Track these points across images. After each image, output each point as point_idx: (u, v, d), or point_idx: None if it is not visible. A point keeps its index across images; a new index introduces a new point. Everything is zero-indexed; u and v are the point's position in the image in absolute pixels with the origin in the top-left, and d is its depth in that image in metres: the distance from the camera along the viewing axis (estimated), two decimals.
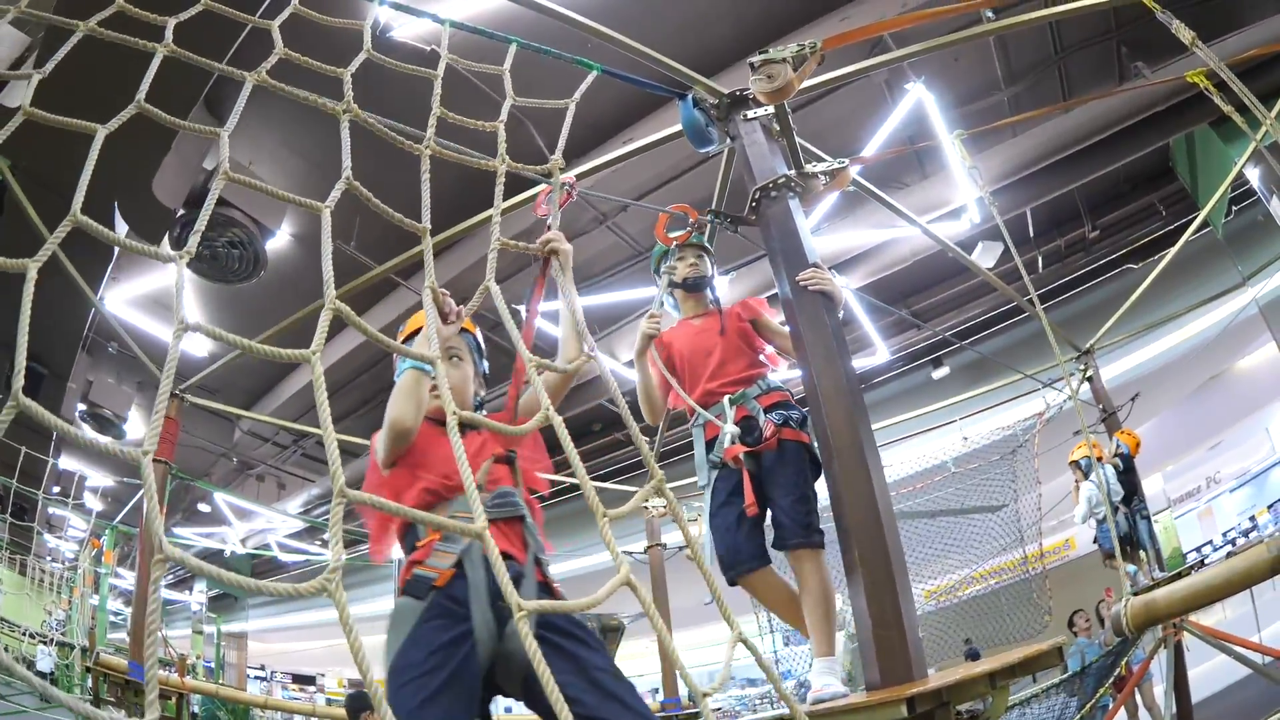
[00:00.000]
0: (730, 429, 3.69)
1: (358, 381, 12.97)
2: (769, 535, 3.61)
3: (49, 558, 16.84)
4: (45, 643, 13.78)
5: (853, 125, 9.02)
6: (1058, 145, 9.09)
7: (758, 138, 4.48)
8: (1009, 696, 3.21)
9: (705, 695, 1.44)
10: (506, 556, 2.33)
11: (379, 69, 2.72)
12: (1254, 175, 9.19)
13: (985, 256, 10.52)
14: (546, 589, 2.36)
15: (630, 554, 9.58)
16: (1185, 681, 5.68)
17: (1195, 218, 8.10)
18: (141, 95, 2.01)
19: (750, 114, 4.52)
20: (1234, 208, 10.77)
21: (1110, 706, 5.99)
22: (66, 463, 14.61)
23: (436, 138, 2.35)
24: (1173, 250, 7.48)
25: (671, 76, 4.73)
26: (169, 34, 2.34)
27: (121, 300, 10.45)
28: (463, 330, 2.82)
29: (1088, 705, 5.09)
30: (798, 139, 4.55)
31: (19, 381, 1.25)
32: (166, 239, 8.77)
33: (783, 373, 4.09)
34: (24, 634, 14.24)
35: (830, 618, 3.51)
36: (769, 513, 3.67)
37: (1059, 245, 12.55)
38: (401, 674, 2.14)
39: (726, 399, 3.81)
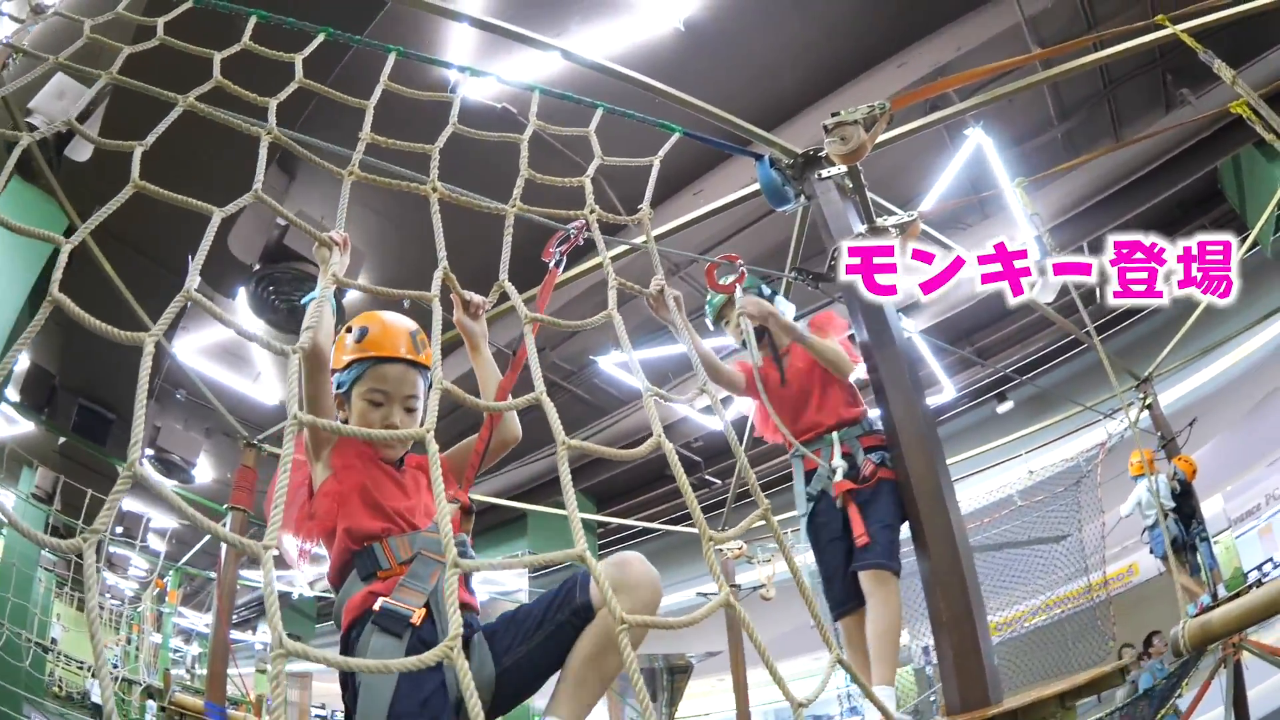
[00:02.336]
0: (839, 463, 3.90)
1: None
2: None
3: (109, 595, 17.10)
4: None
5: (914, 171, 9.27)
6: (1112, 179, 9.36)
7: (832, 196, 4.74)
8: (1076, 717, 3.35)
9: (800, 705, 1.58)
10: (466, 606, 2.33)
11: (444, 123, 2.83)
12: None
13: (1045, 292, 10.68)
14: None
15: (705, 595, 9.66)
16: (1244, 700, 5.73)
17: (1246, 237, 8.26)
18: (258, 185, 2.12)
19: (824, 173, 4.73)
20: None
21: None
22: (130, 504, 14.96)
23: (519, 200, 2.52)
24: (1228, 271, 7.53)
25: (740, 135, 4.99)
26: (272, 118, 2.48)
27: (191, 349, 10.81)
28: (420, 367, 2.62)
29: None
30: (868, 194, 4.75)
31: (135, 453, 1.34)
32: (243, 293, 9.16)
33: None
34: (83, 668, 14.92)
35: (895, 646, 3.72)
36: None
37: None
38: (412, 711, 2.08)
39: (836, 435, 4.01)
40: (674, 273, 9.87)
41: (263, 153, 2.29)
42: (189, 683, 15.55)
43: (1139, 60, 9.05)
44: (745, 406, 4.66)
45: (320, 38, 3.30)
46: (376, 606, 2.17)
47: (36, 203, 7.37)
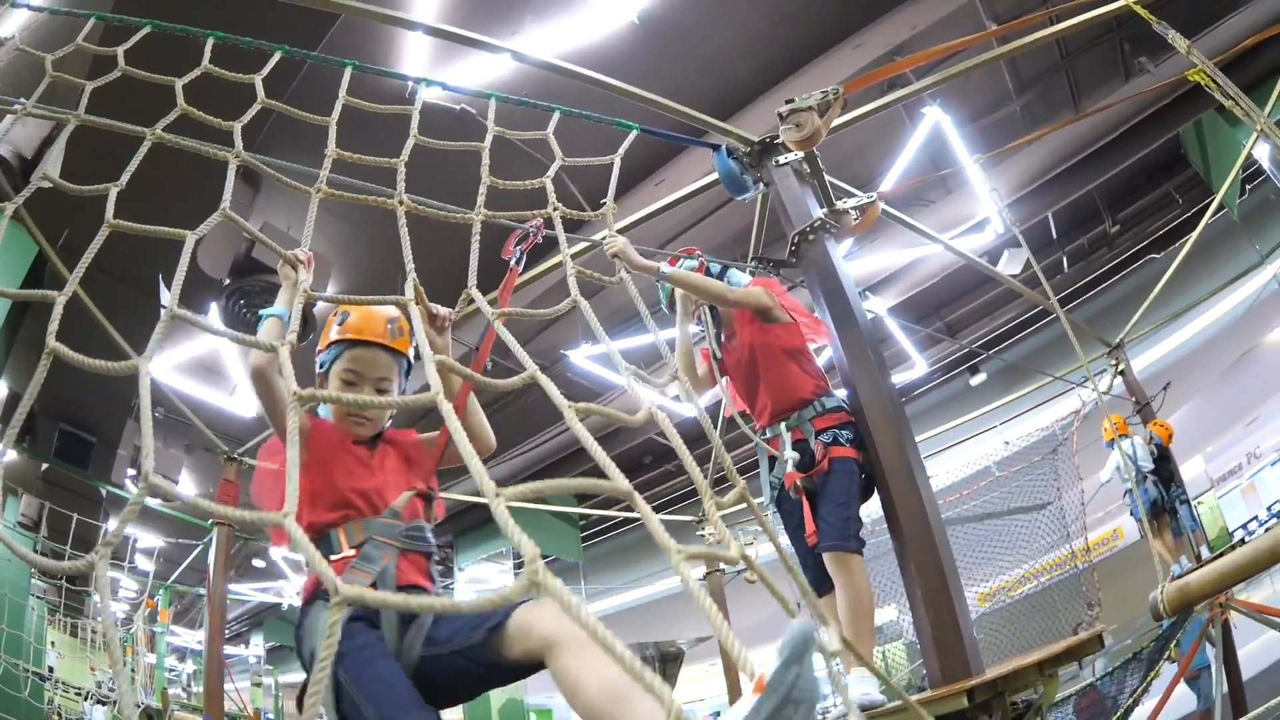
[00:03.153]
0: (790, 454, 3.88)
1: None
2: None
3: (98, 618, 16.77)
4: (101, 702, 14.10)
5: (872, 151, 9.37)
6: (1072, 149, 9.43)
7: (790, 182, 4.77)
8: (1059, 685, 3.44)
9: (833, 655, 1.63)
10: (418, 588, 2.45)
11: (405, 128, 2.91)
12: (1263, 154, 9.45)
13: (1011, 264, 10.87)
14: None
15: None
16: (1235, 659, 5.91)
17: (1211, 201, 8.36)
18: (226, 204, 2.18)
19: (781, 159, 4.78)
20: (1246, 187, 11.06)
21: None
22: (115, 525, 14.91)
23: (482, 205, 2.54)
24: (1193, 235, 7.65)
25: (696, 125, 5.01)
26: (238, 140, 2.53)
27: (166, 366, 10.81)
28: (396, 352, 2.81)
29: (1139, 689, 5.27)
30: (826, 177, 4.82)
31: (148, 462, 1.38)
32: (214, 308, 9.21)
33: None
34: (81, 694, 14.36)
35: (868, 625, 3.71)
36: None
37: (1082, 244, 12.85)
38: (355, 652, 2.17)
39: (784, 425, 4.00)
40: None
41: (231, 175, 2.37)
42: (186, 700, 15.49)
43: (1096, 30, 9.12)
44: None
45: (277, 56, 3.33)
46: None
47: (10, 230, 7.30)
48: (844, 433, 3.92)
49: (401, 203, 2.44)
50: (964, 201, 9.75)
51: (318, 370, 2.83)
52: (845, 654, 3.54)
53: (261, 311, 2.66)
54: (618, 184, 3.11)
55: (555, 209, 2.71)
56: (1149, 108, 9.11)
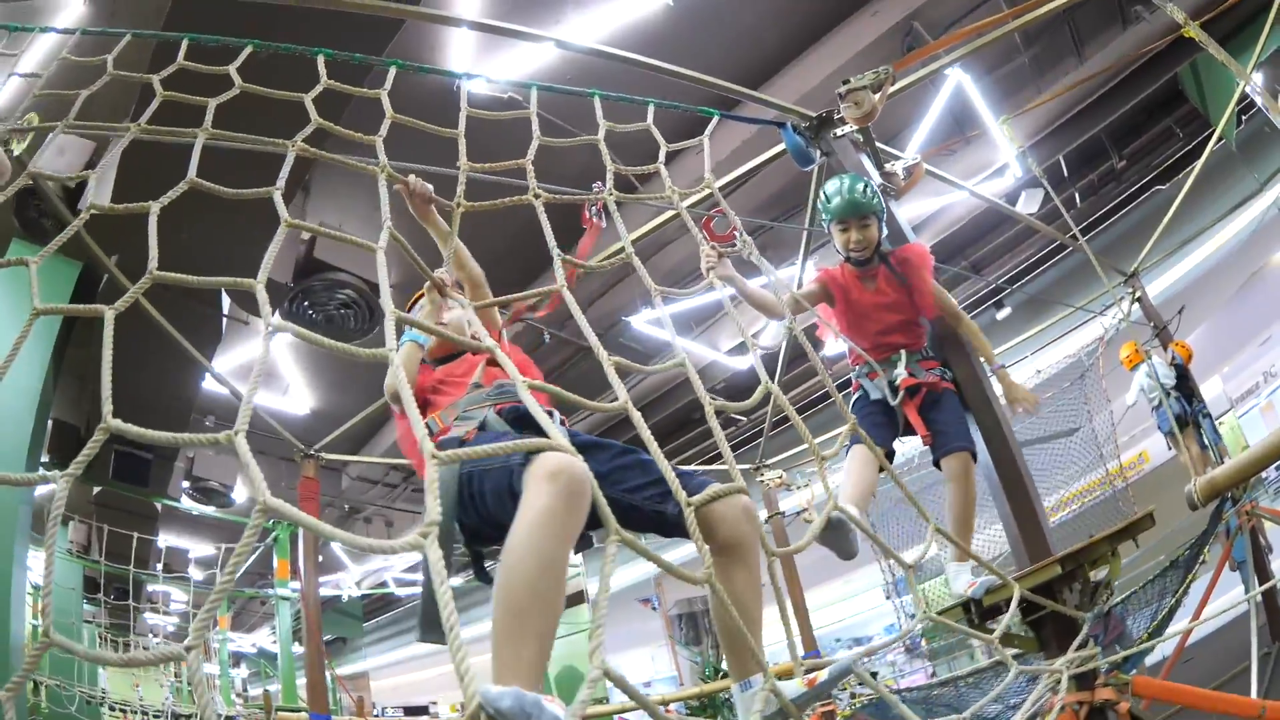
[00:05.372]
0: (901, 372, 4.62)
1: None
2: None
3: (150, 634, 17.28)
4: (156, 717, 14.36)
5: (897, 109, 10.21)
6: (1080, 96, 10.43)
7: (849, 152, 5.62)
8: (1121, 563, 4.11)
9: (909, 568, 2.43)
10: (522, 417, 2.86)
11: (450, 114, 3.31)
12: (1253, 90, 10.41)
13: (1029, 203, 12.00)
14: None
15: None
16: (1263, 562, 6.50)
17: (1211, 133, 9.28)
18: (281, 211, 2.40)
19: (839, 132, 5.64)
20: (1243, 118, 11.85)
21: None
22: (166, 539, 15.39)
23: (541, 184, 2.98)
24: (1197, 165, 8.29)
25: (730, 97, 5.77)
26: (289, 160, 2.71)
27: (224, 372, 11.38)
28: (444, 292, 3.51)
29: (1179, 590, 5.52)
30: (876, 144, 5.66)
31: (243, 420, 1.56)
32: (276, 313, 9.98)
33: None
34: (136, 714, 14.60)
35: (972, 525, 4.46)
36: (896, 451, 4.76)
37: (1092, 180, 13.80)
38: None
39: (904, 353, 4.70)
40: (687, 230, 10.44)
41: (283, 174, 2.62)
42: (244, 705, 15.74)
43: None
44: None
45: (321, 60, 3.62)
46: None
47: (45, 262, 7.79)
48: (948, 372, 4.74)
49: (459, 205, 2.92)
50: (984, 150, 10.81)
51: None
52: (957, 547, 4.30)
53: (405, 338, 3.25)
54: (652, 158, 3.67)
55: (611, 194, 3.27)
56: (1148, 51, 9.93)
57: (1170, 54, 10.30)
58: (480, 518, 2.56)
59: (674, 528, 2.62)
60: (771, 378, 2.33)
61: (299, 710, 9.96)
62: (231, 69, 3.28)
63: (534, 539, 2.01)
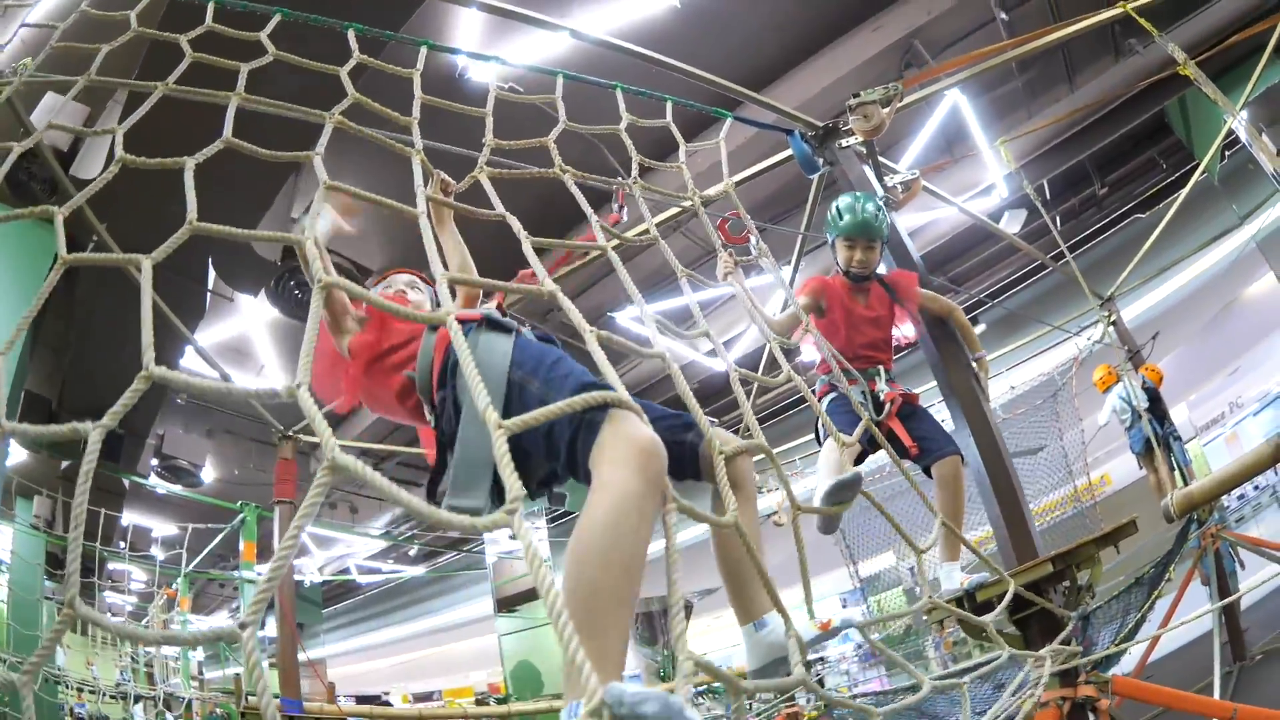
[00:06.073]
0: (882, 387, 4.93)
1: None
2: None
3: (109, 613, 17.03)
4: (118, 698, 13.91)
5: (891, 124, 10.60)
6: (1068, 122, 10.73)
7: (854, 163, 5.93)
8: (1102, 568, 4.42)
9: (921, 551, 2.67)
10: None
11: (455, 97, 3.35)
12: (1240, 126, 10.82)
13: (1012, 223, 12.43)
14: None
15: None
16: (1227, 587, 6.70)
17: (1195, 165, 9.60)
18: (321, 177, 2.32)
19: (845, 143, 5.93)
20: (1226, 153, 12.15)
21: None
22: (130, 517, 15.38)
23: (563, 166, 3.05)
24: (1180, 195, 8.67)
25: (733, 98, 5.96)
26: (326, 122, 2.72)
27: (192, 350, 11.37)
28: (427, 283, 3.44)
29: (1145, 605, 5.57)
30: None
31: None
32: (264, 292, 10.05)
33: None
34: (97, 694, 13.94)
35: (962, 526, 4.74)
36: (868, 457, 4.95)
37: (1074, 204, 14.26)
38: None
39: (881, 369, 5.03)
40: (676, 228, 10.46)
41: (322, 141, 2.61)
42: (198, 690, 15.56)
43: (1090, 12, 10.36)
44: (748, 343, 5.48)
45: (351, 33, 3.66)
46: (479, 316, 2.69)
47: (28, 229, 7.58)
48: (911, 388, 5.10)
49: (482, 170, 2.86)
50: (972, 169, 11.16)
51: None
52: (948, 546, 4.69)
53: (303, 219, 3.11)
54: (654, 153, 3.75)
55: (639, 184, 3.38)
56: (1139, 84, 10.20)
57: (1160, 87, 10.57)
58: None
59: (689, 464, 2.55)
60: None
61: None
62: (263, 35, 3.29)
63: (620, 536, 1.81)
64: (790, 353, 5.49)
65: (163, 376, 1.46)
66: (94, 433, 1.30)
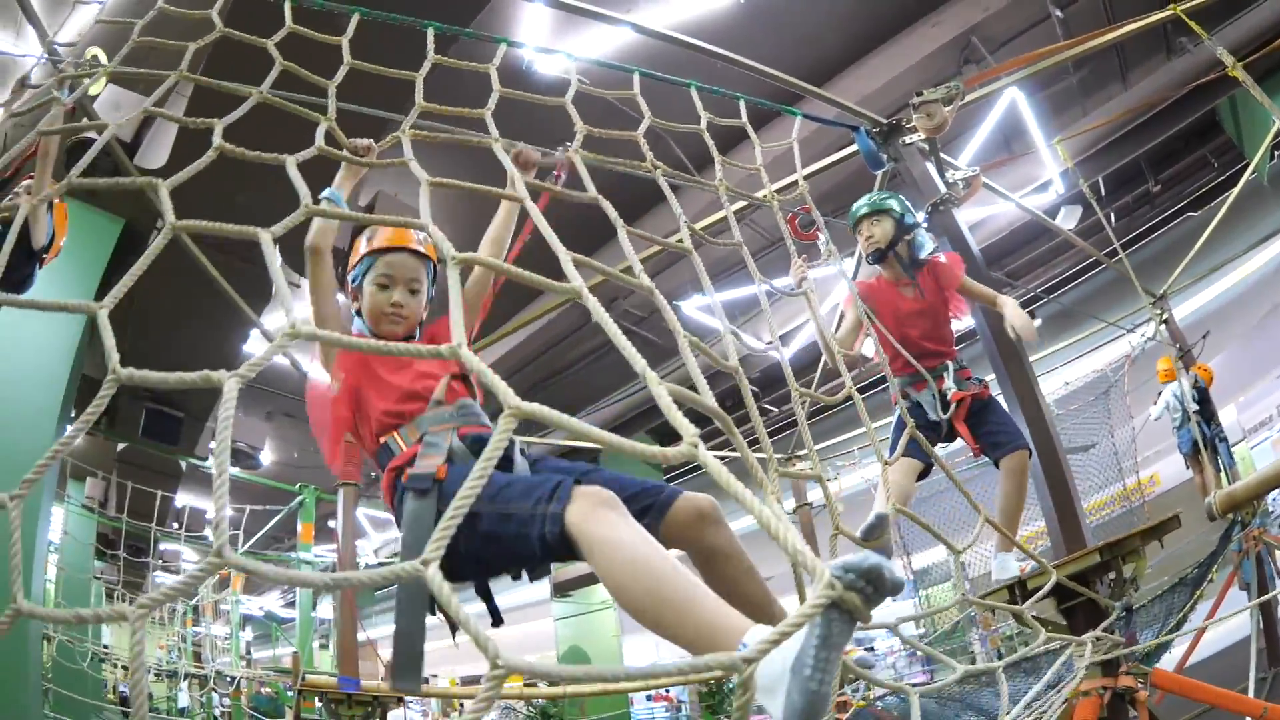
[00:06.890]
0: (950, 386, 4.91)
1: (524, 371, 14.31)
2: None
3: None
4: (165, 676, 14.70)
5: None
6: (1122, 120, 11.02)
7: (918, 160, 6.11)
8: (1147, 562, 4.41)
9: (958, 553, 2.81)
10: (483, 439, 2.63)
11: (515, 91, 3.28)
12: None
13: (1068, 219, 12.66)
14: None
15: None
16: (1264, 582, 6.72)
17: (1246, 164, 9.78)
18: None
19: (908, 140, 6.13)
20: (1275, 154, 12.07)
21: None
22: (187, 499, 15.69)
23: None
24: (1232, 194, 8.77)
25: (788, 92, 6.14)
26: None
27: (258, 337, 11.67)
28: (424, 257, 3.03)
29: (1187, 606, 5.77)
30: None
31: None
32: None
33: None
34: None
35: (1020, 518, 4.86)
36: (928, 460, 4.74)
37: (1127, 201, 14.50)
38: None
39: (949, 364, 4.98)
40: (740, 220, 10.76)
41: (407, 154, 2.58)
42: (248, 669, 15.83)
43: (1143, 10, 10.50)
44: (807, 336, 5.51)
45: (431, 34, 3.70)
46: (404, 478, 2.55)
47: (89, 217, 8.24)
48: (983, 379, 5.11)
49: (576, 151, 2.99)
50: (1028, 166, 11.41)
51: (350, 285, 3.07)
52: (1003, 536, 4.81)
53: (323, 194, 2.96)
54: (719, 148, 3.89)
55: (723, 185, 3.61)
56: (1191, 82, 10.26)
57: (1211, 86, 10.67)
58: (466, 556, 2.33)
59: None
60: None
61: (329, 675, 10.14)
62: (343, 40, 3.38)
63: (636, 564, 1.92)
64: (854, 365, 5.26)
65: (303, 333, 1.45)
66: (229, 381, 1.25)
